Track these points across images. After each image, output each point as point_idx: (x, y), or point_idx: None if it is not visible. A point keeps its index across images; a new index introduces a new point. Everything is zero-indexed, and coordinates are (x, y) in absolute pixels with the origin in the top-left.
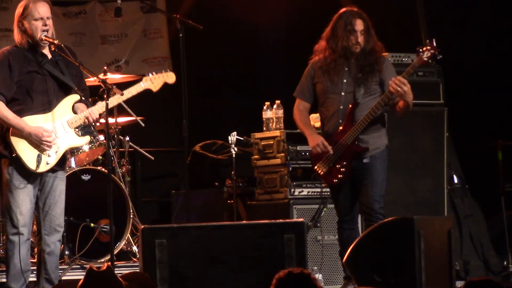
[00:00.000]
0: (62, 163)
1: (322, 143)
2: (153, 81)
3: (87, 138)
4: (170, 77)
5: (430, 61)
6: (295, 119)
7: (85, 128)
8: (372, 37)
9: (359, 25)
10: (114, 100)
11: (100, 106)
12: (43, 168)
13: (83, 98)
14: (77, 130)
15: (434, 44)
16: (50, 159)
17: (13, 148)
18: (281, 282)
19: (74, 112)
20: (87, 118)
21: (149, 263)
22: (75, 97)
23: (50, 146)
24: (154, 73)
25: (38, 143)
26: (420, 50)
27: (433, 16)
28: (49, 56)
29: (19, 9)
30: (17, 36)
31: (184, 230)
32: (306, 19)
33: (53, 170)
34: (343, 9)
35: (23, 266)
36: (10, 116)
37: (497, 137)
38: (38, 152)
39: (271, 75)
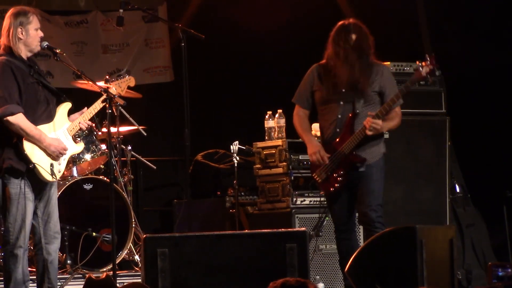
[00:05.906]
0: None
1: (319, 152)
2: (120, 85)
3: (82, 144)
4: (131, 81)
5: (429, 76)
6: (295, 124)
7: (87, 138)
8: (366, 47)
9: (352, 40)
10: (97, 105)
11: (88, 112)
12: (57, 176)
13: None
14: (75, 137)
15: (434, 60)
16: (61, 167)
17: (29, 160)
18: None
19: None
20: (80, 124)
21: (151, 272)
22: (68, 105)
23: (62, 155)
24: (117, 78)
25: (53, 153)
26: (420, 64)
27: (435, 25)
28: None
29: (18, 17)
30: (14, 44)
31: (186, 239)
32: (307, 27)
33: None
34: (339, 23)
35: (25, 277)
36: (32, 127)
37: (499, 145)
38: (50, 161)
39: (273, 84)
